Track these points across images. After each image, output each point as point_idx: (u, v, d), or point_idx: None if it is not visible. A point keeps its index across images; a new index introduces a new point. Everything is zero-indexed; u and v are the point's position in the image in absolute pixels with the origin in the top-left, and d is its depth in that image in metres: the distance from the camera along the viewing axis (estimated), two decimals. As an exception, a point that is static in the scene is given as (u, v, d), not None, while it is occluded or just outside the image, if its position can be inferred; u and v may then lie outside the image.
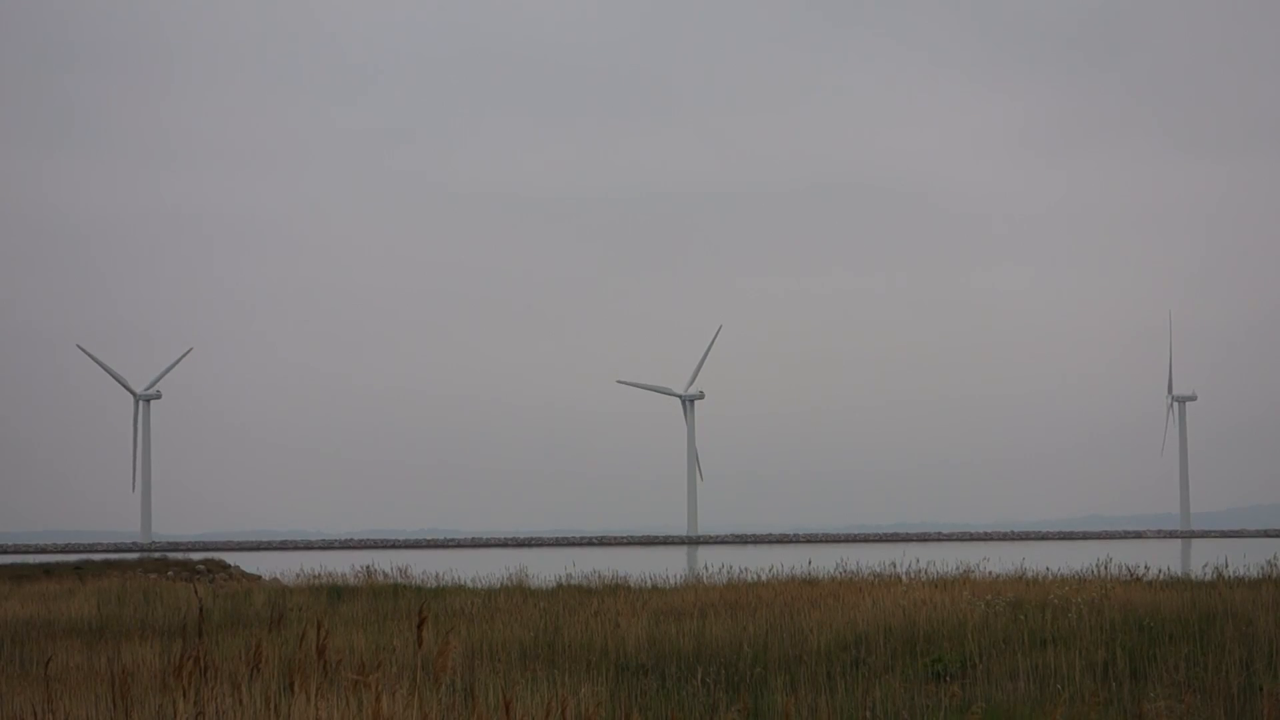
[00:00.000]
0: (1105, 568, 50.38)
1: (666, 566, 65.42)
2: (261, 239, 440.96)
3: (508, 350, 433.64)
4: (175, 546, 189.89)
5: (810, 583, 49.97)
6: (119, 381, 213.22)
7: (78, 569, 75.54)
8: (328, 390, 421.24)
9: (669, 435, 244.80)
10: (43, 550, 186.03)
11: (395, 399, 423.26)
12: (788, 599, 41.64)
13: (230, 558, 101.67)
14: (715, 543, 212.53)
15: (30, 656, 30.85)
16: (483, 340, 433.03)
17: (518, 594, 48.88)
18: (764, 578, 53.29)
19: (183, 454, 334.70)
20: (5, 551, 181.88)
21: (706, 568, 59.73)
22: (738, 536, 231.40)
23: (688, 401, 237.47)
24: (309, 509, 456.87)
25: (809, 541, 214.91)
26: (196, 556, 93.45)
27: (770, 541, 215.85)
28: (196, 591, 27.09)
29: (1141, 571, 49.18)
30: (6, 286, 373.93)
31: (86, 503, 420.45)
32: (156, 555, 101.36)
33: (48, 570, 73.69)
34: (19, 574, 70.05)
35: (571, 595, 47.36)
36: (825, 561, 58.93)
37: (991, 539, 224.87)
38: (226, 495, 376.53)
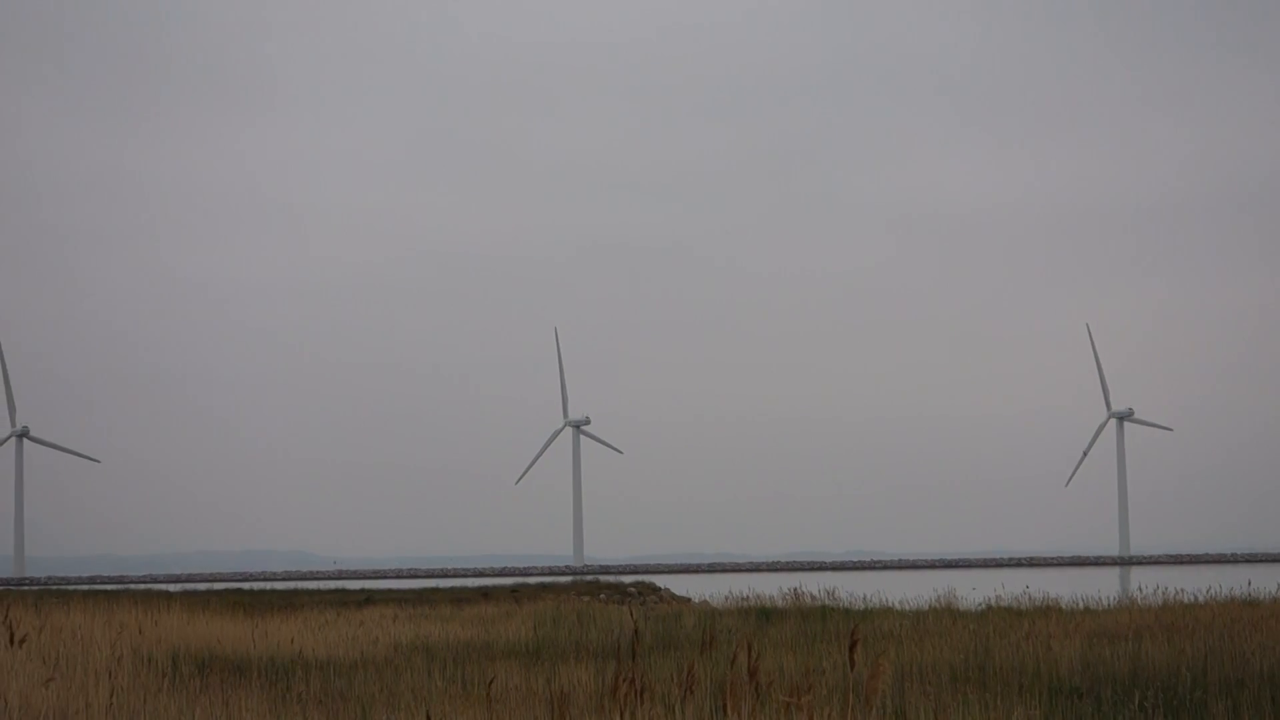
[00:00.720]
0: None
1: (1098, 588, 63.86)
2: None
3: (942, 373, 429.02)
4: (607, 569, 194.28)
5: (1251, 604, 48.21)
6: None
7: (514, 592, 78.11)
8: (757, 415, 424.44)
9: (1098, 452, 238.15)
10: (480, 574, 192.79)
11: (823, 423, 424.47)
12: (1227, 621, 40.17)
13: (660, 580, 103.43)
14: (1148, 563, 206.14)
15: (471, 677, 31.95)
16: (926, 368, 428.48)
17: (946, 616, 48.40)
18: (1201, 599, 51.60)
19: (609, 479, 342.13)
20: (447, 575, 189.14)
21: (1140, 589, 58.06)
22: (1172, 557, 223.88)
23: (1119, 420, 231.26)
24: (734, 533, 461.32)
25: (1248, 561, 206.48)
26: (628, 579, 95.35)
27: (1206, 562, 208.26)
28: (630, 613, 27.64)
29: None
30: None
31: (523, 528, 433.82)
32: (589, 578, 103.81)
33: (485, 594, 76.41)
34: (459, 597, 72.82)
35: (1001, 617, 46.67)
36: (1267, 582, 56.59)
37: None
38: (654, 519, 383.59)
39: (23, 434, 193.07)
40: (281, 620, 51.25)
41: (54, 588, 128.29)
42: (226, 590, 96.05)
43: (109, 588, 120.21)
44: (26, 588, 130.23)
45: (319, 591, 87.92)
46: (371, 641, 42.83)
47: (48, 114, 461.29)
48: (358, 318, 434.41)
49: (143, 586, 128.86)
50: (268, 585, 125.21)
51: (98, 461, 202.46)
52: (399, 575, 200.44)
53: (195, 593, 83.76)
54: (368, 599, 72.51)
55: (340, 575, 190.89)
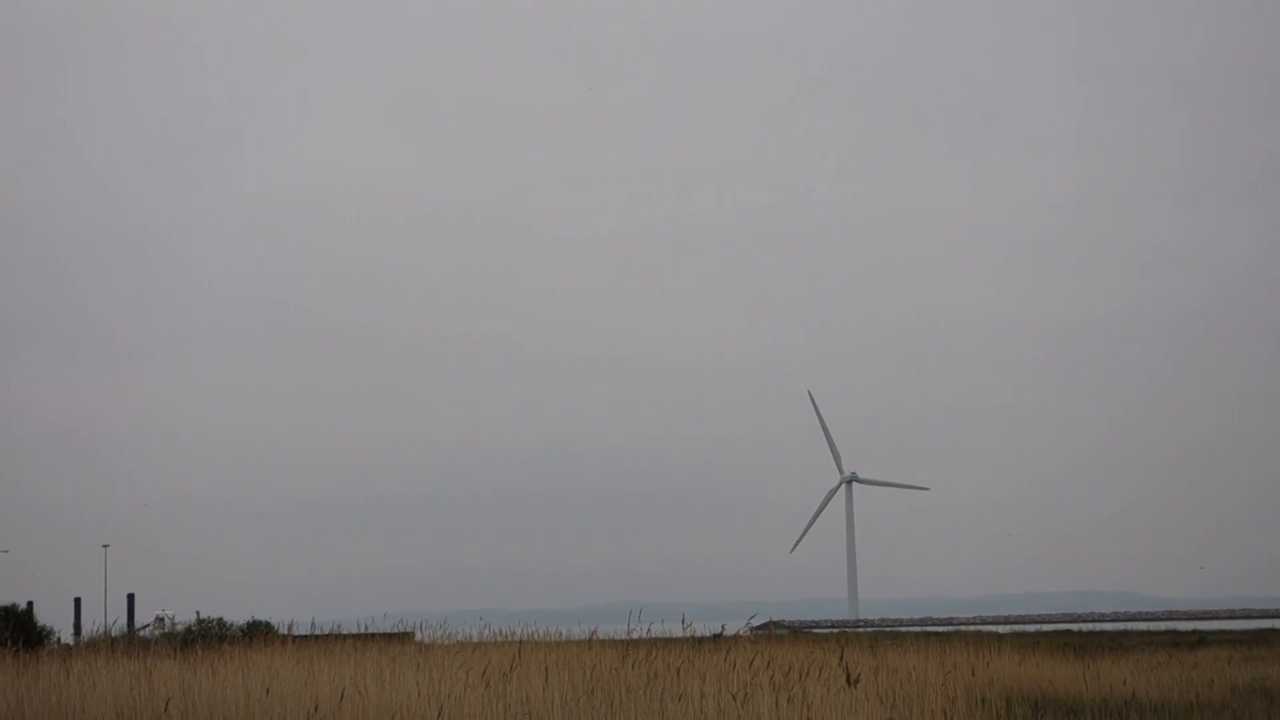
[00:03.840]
0: None
1: None
2: None
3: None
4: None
5: None
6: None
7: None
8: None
9: None
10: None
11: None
12: None
13: None
14: None
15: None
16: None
17: None
18: None
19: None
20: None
21: None
22: None
23: None
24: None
25: None
26: None
27: None
28: None
29: None
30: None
31: None
32: None
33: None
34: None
35: None
36: None
37: None
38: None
39: (850, 479, 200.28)
40: (1112, 662, 50.54)
41: (887, 629, 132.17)
42: (1055, 631, 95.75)
43: (939, 629, 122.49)
44: (861, 629, 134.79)
45: (1149, 633, 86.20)
46: (1206, 684, 41.47)
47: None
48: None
49: (972, 628, 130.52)
50: (1096, 626, 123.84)
51: (927, 489, 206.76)
52: (1231, 616, 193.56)
53: (1024, 634, 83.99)
54: (1200, 640, 70.39)
55: (1170, 616, 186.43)
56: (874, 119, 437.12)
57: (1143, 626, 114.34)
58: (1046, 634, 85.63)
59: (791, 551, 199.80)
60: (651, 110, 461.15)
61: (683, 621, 47.24)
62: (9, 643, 53.30)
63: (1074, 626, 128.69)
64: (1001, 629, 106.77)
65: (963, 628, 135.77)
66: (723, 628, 60.41)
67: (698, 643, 52.56)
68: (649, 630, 50.23)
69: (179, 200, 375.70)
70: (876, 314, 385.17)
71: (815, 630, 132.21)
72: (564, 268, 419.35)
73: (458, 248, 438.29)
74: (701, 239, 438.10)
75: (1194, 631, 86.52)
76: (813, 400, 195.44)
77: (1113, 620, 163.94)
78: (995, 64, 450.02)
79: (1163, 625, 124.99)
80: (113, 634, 65.20)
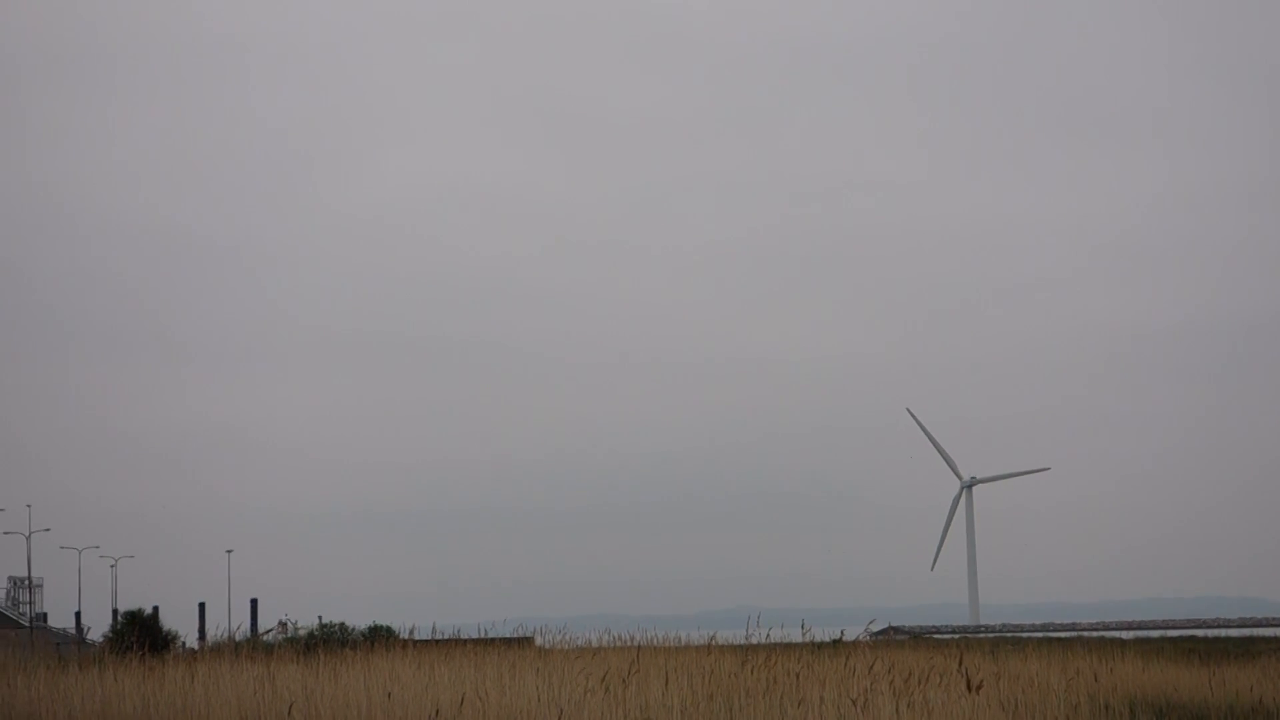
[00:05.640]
0: None
1: None
2: None
3: None
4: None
5: None
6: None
7: None
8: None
9: None
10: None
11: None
12: None
13: None
14: None
15: None
16: None
17: None
18: None
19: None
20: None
21: None
22: None
23: None
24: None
25: None
26: None
27: None
28: None
29: None
30: None
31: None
32: None
33: None
34: None
35: None
36: None
37: None
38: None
39: (970, 484, 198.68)
40: (1239, 668, 49.74)
41: (1008, 635, 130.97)
42: (1180, 638, 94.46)
43: (1061, 635, 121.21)
44: (982, 635, 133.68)
45: (1278, 639, 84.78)
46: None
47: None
48: None
49: (1095, 634, 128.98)
50: (1222, 632, 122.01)
51: (1047, 469, 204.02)
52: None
53: (1148, 639, 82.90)
54: (1330, 646, 69.10)
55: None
56: (982, 120, 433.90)
57: (1269, 633, 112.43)
58: (1171, 640, 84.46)
59: (932, 569, 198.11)
60: (762, 115, 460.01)
61: (802, 627, 47.07)
62: (136, 647, 54.15)
63: (1199, 632, 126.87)
64: (1125, 635, 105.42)
65: (1085, 633, 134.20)
66: (841, 633, 60.04)
67: (817, 648, 52.37)
68: (768, 635, 50.13)
69: (286, 210, 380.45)
70: (988, 315, 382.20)
71: (935, 636, 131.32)
72: (673, 274, 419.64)
73: (567, 256, 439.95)
74: (817, 241, 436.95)
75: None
76: (914, 416, 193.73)
77: (1239, 626, 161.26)
78: (1105, 65, 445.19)
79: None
80: (236, 638, 65.99)
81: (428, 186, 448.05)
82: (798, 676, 35.82)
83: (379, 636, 67.52)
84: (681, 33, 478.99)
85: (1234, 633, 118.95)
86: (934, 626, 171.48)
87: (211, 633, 73.03)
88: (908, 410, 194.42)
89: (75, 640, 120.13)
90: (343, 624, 76.81)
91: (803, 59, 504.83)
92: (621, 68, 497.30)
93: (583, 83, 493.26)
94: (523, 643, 61.18)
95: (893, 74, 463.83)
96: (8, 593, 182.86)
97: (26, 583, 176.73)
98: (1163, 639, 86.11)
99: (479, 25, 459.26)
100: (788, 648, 50.57)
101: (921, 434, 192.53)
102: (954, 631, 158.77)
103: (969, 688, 29.13)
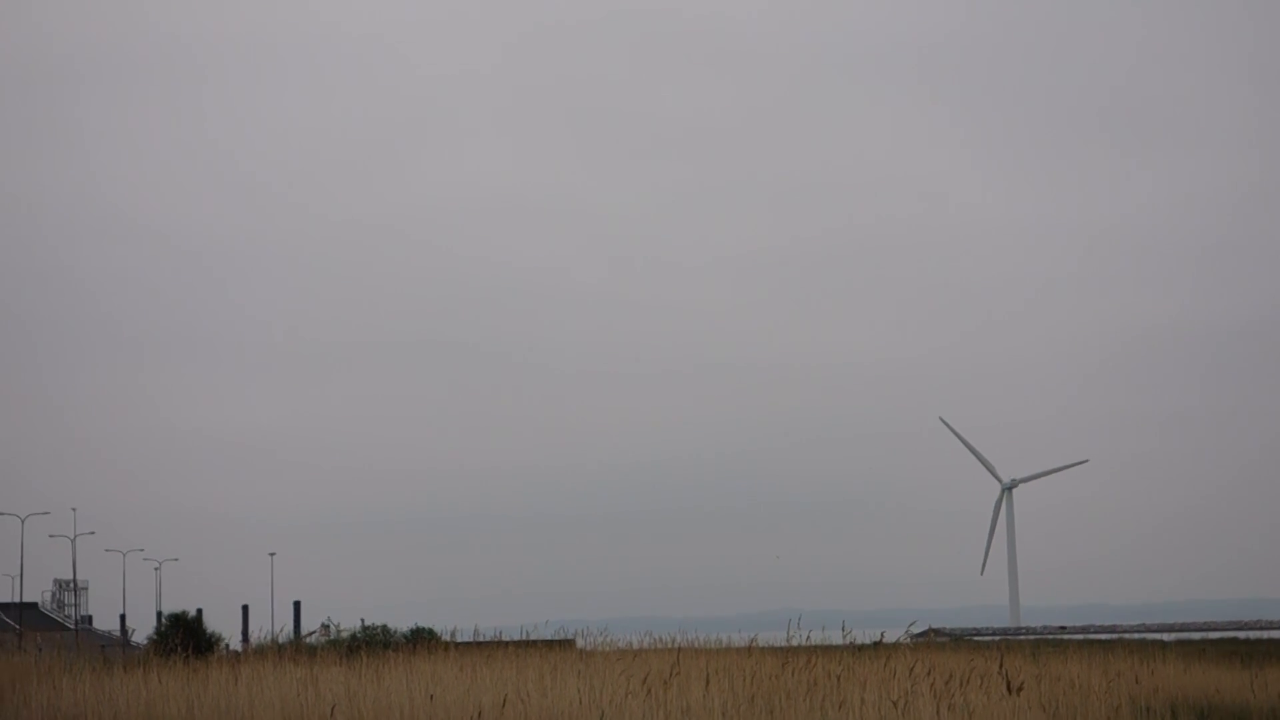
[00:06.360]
0: None
1: None
2: None
3: None
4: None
5: None
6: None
7: None
8: None
9: None
10: None
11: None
12: None
13: None
14: None
15: None
16: None
17: None
18: None
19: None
20: None
21: None
22: None
23: None
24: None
25: None
26: None
27: None
28: None
29: None
30: None
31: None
32: None
33: None
34: None
35: None
36: None
37: None
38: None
39: (1010, 485, 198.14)
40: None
41: (1049, 637, 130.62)
42: (1221, 639, 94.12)
43: (1102, 637, 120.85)
44: (1023, 637, 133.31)
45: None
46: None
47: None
48: None
49: (1136, 636, 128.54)
50: (1264, 634, 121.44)
51: (1086, 461, 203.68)
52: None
53: (1190, 641, 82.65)
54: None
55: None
56: (1029, 120, 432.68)
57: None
58: (1213, 641, 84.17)
59: (982, 573, 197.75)
60: (799, 117, 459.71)
61: (843, 629, 47.15)
62: (180, 649, 54.54)
63: (1241, 634, 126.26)
64: (1166, 637, 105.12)
65: (1126, 635, 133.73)
66: (881, 635, 60.11)
67: (857, 650, 52.41)
68: (808, 637, 50.19)
69: (334, 211, 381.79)
70: (1034, 317, 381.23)
71: (976, 638, 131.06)
72: (722, 278, 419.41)
73: (618, 259, 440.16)
74: (863, 245, 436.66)
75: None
76: (946, 424, 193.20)
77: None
78: (1157, 64, 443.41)
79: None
80: (280, 641, 66.39)
81: (450, 193, 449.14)
82: (838, 678, 35.91)
83: (421, 639, 67.82)
84: (734, 36, 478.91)
85: (1277, 634, 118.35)
86: (975, 628, 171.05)
87: (255, 635, 73.32)
88: (940, 419, 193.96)
89: (120, 642, 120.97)
90: (385, 626, 77.13)
91: (854, 62, 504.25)
92: (662, 71, 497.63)
93: (621, 87, 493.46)
94: (564, 645, 61.41)
95: (936, 78, 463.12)
96: (53, 595, 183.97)
97: (72, 585, 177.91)
98: (1204, 641, 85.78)
99: (509, 23, 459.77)
100: (828, 650, 50.62)
101: (957, 440, 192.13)
102: (995, 633, 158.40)
103: (1009, 690, 29.21)
